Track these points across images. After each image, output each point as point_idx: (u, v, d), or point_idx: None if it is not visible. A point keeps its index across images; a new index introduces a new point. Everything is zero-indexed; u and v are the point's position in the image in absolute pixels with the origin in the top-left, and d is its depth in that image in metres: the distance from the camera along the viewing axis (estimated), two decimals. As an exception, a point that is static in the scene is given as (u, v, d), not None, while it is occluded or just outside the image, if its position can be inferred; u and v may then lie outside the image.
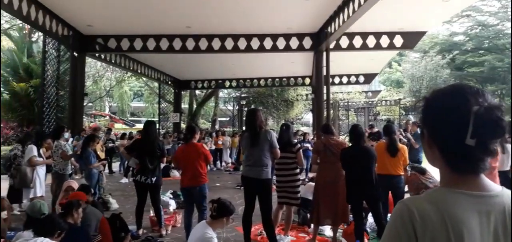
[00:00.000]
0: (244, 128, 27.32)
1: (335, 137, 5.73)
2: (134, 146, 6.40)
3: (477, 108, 1.00)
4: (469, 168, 1.04)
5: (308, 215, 6.26)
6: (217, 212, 3.85)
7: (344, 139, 21.75)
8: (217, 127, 30.07)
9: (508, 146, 5.56)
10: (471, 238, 0.97)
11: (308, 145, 12.20)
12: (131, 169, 12.27)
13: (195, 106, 27.11)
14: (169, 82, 20.61)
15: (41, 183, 6.59)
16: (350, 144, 5.15)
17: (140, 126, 28.76)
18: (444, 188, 1.07)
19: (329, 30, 10.78)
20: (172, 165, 13.67)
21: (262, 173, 4.85)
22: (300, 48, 12.13)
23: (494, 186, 1.06)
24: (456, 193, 1.03)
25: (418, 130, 9.54)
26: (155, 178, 5.88)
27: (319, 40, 11.76)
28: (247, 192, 5.10)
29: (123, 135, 14.91)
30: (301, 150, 5.68)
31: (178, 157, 5.81)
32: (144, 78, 26.05)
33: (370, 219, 5.35)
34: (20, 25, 20.33)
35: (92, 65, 23.97)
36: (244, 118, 31.34)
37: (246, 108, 30.77)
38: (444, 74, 27.24)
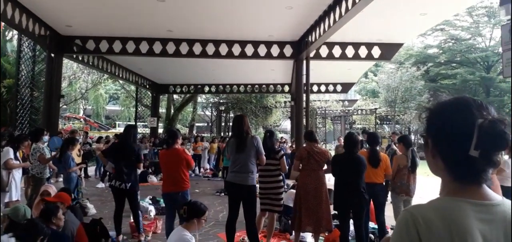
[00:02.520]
0: (222, 134, 27.34)
1: (318, 144, 5.79)
2: (110, 150, 6.30)
3: (481, 121, 1.04)
4: (472, 178, 1.08)
5: (290, 222, 6.30)
6: (188, 213, 3.85)
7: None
8: (194, 132, 29.88)
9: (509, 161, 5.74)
10: None
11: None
12: (107, 173, 12.08)
13: (172, 111, 26.82)
14: (147, 86, 20.35)
15: (16, 187, 6.37)
16: (343, 151, 5.21)
17: (114, 130, 28.33)
18: (447, 196, 1.10)
19: (309, 39, 10.92)
20: (150, 170, 13.55)
21: (248, 179, 4.85)
22: (281, 55, 12.23)
23: (495, 195, 1.09)
24: (459, 202, 1.06)
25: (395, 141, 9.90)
26: (130, 183, 5.75)
27: (300, 49, 11.89)
28: (231, 198, 5.08)
29: (99, 138, 14.65)
30: (284, 157, 5.74)
31: (160, 162, 5.75)
32: (121, 81, 25.67)
33: (351, 226, 5.42)
34: (-7, 23, 19.70)
35: (68, 66, 23.43)
36: (223, 124, 31.43)
37: (224, 114, 30.73)
38: (418, 86, 27.88)
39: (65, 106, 28.35)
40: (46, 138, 7.51)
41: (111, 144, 8.67)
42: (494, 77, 28.33)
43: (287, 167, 5.90)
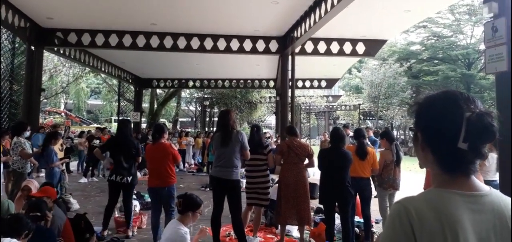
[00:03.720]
0: (206, 129, 27.19)
1: (299, 138, 5.84)
2: (108, 145, 6.23)
3: (469, 114, 1.07)
4: (461, 170, 1.11)
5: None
6: (183, 206, 3.81)
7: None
8: (178, 127, 29.67)
9: (494, 155, 5.87)
10: (465, 234, 1.03)
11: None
12: (90, 168, 11.91)
13: (156, 105, 26.55)
14: (130, 80, 20.05)
15: (-3, 181, 6.24)
16: (329, 146, 5.27)
17: (95, 125, 27.86)
18: (438, 188, 1.13)
19: (295, 34, 10.94)
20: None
21: (232, 174, 4.86)
22: (267, 51, 12.21)
23: (483, 186, 1.13)
24: (449, 193, 1.08)
25: (373, 135, 10.02)
26: (131, 177, 5.79)
27: (285, 44, 11.90)
28: (216, 192, 5.08)
29: (82, 133, 14.42)
30: (271, 152, 5.76)
31: (146, 157, 5.70)
32: (103, 75, 25.28)
33: (337, 220, 5.48)
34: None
35: (49, 59, 22.97)
36: (207, 119, 31.27)
37: (209, 109, 30.61)
38: (401, 82, 28.27)
39: (45, 100, 27.81)
40: (28, 133, 7.36)
41: (109, 138, 8.58)
42: (474, 74, 28.86)
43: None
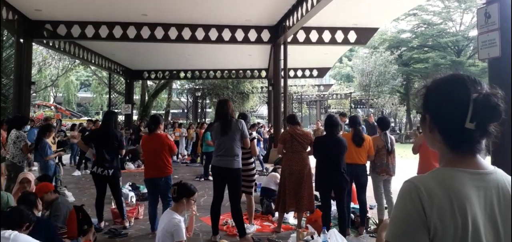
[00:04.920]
0: (198, 120, 27.10)
1: (301, 127, 5.90)
2: (91, 136, 6.19)
3: (476, 95, 1.11)
4: (467, 149, 1.16)
5: (272, 205, 6.39)
6: (178, 194, 3.84)
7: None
8: (170, 118, 29.56)
9: None
10: (472, 210, 1.07)
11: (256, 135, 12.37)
12: (84, 161, 11.85)
13: (147, 97, 26.37)
14: (120, 72, 19.90)
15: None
16: (324, 133, 5.33)
17: (86, 118, 27.64)
18: (445, 167, 1.18)
19: (287, 23, 10.94)
20: (127, 157, 13.37)
21: (234, 163, 4.90)
22: (259, 40, 12.20)
23: (488, 165, 1.18)
24: (456, 171, 1.13)
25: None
26: (112, 169, 5.73)
27: (277, 34, 11.89)
28: (217, 181, 5.11)
29: (73, 125, 14.31)
30: (254, 140, 5.84)
31: (142, 148, 5.69)
32: (93, 67, 25.03)
33: (332, 206, 5.54)
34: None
35: (38, 52, 22.67)
36: (199, 110, 31.15)
37: (200, 100, 30.49)
38: (392, 70, 28.36)
39: (34, 93, 27.47)
40: (27, 127, 7.30)
41: (92, 130, 8.51)
42: (464, 61, 29.06)
43: (257, 150, 6.01)
